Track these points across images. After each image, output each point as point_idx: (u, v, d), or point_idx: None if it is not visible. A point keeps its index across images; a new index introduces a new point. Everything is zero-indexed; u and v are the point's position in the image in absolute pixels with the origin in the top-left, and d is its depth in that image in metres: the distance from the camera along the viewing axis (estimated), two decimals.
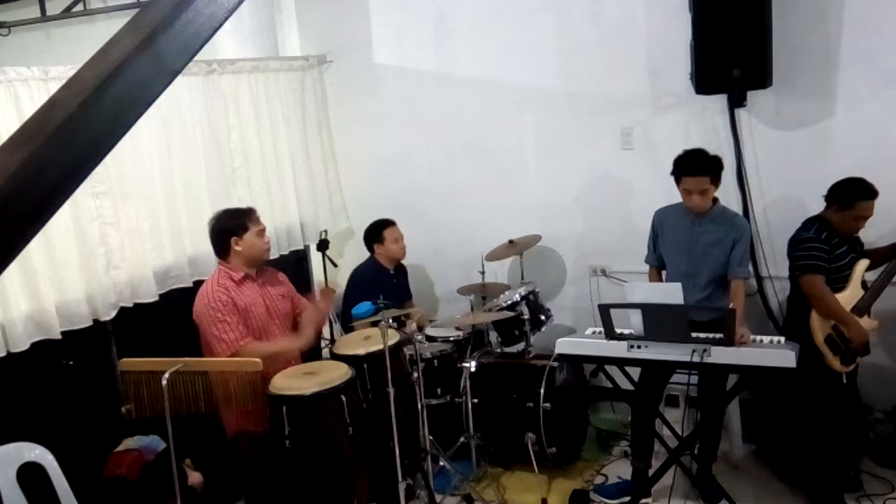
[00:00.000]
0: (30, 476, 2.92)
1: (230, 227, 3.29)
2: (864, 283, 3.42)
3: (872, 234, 3.63)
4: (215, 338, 3.14)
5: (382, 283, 4.35)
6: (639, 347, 3.14)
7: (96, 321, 3.46)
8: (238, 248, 3.27)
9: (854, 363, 3.40)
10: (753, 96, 4.00)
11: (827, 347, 3.32)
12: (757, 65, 3.71)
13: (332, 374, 3.05)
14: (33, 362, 3.20)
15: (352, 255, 4.99)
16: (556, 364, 3.96)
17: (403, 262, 4.62)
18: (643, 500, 3.60)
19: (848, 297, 3.35)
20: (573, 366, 4.16)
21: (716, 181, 3.38)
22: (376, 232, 4.48)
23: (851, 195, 3.32)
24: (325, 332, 4.69)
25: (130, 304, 3.61)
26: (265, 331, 3.31)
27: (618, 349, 3.18)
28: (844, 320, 3.32)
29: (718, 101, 4.08)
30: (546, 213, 4.63)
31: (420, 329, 4.29)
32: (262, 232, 3.35)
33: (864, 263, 3.42)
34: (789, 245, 3.50)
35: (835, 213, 3.37)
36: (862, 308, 3.36)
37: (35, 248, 3.16)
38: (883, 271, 3.42)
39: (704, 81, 3.87)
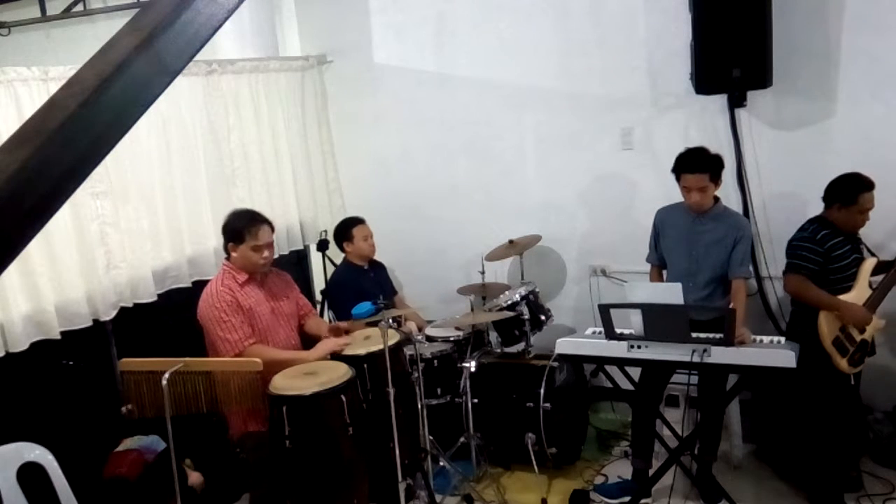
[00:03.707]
0: (30, 476, 2.92)
1: (230, 230, 3.29)
2: (871, 283, 3.41)
3: (878, 233, 3.63)
4: (219, 338, 3.14)
5: (362, 281, 4.35)
6: (639, 347, 3.14)
7: (96, 321, 3.46)
8: (234, 255, 3.28)
9: (862, 363, 3.39)
10: (753, 96, 4.00)
11: (835, 349, 3.31)
12: (757, 65, 3.71)
13: (331, 374, 3.05)
14: (33, 362, 3.20)
15: None
16: (556, 364, 3.96)
17: (394, 260, 4.61)
18: (643, 500, 3.60)
19: (855, 296, 3.34)
20: (573, 366, 4.16)
21: (715, 179, 3.38)
22: (346, 230, 4.45)
23: (853, 190, 3.33)
24: None
25: (130, 304, 3.61)
26: (270, 331, 3.31)
27: (618, 349, 3.18)
28: (834, 306, 3.32)
29: (718, 101, 4.08)
30: (546, 213, 4.63)
31: (420, 330, 4.29)
32: (258, 248, 3.24)
33: (871, 262, 3.41)
34: (786, 247, 3.51)
35: (838, 211, 3.37)
36: (870, 307, 3.35)
37: (35, 248, 3.16)
38: (891, 270, 3.41)
39: (704, 81, 3.87)
